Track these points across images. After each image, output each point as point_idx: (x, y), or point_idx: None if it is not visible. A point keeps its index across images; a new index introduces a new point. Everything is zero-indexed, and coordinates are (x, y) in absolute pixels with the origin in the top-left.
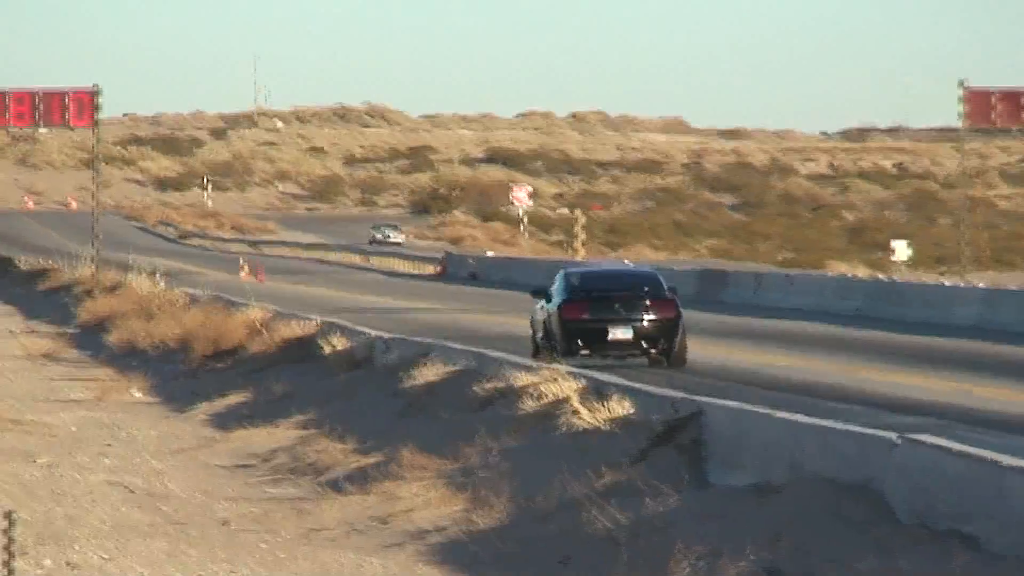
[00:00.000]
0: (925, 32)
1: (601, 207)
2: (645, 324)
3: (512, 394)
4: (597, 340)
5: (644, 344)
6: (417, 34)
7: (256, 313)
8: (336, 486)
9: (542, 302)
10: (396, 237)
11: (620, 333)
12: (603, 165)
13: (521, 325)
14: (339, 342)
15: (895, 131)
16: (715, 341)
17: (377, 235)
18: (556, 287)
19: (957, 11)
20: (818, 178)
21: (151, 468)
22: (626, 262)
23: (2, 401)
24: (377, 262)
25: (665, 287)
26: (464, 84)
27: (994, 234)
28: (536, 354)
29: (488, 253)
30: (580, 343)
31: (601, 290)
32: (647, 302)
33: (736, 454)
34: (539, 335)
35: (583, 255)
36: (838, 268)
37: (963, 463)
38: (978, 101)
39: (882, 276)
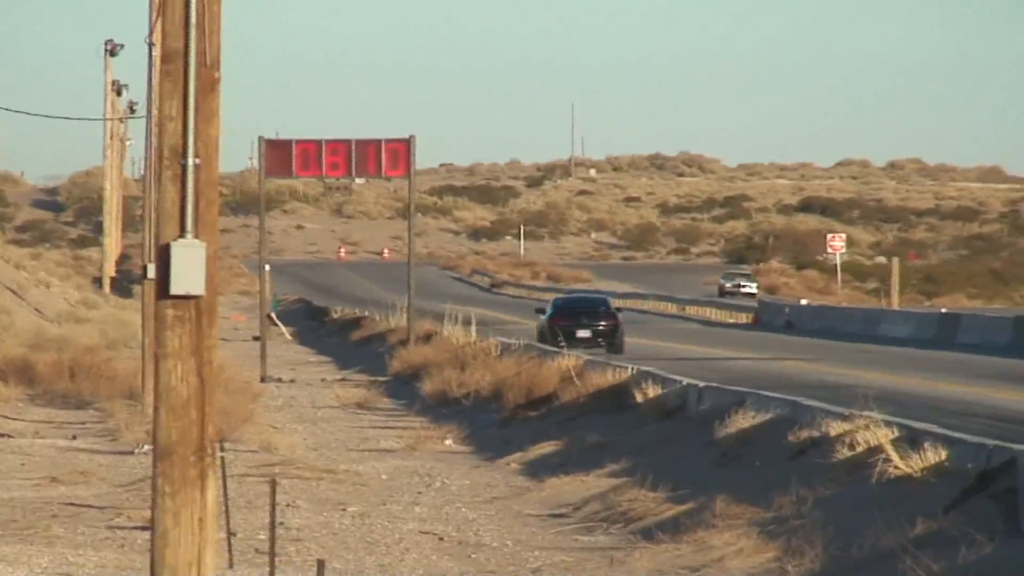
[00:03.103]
0: None
1: (917, 255)
2: (598, 328)
3: (826, 442)
4: (570, 336)
5: (598, 339)
6: (732, 83)
7: (569, 361)
8: (648, 535)
9: (542, 316)
10: (750, 287)
11: (583, 333)
12: (919, 213)
13: (838, 373)
14: (652, 390)
15: None
16: None
17: (728, 285)
18: (548, 307)
19: None
20: None
21: (463, 517)
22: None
23: (315, 451)
24: (691, 311)
25: (612, 307)
26: (780, 133)
27: None
28: (540, 341)
29: (803, 302)
30: (561, 338)
31: (574, 308)
32: (600, 314)
33: None
34: (540, 334)
35: (899, 303)
36: None
37: None
38: None
39: None
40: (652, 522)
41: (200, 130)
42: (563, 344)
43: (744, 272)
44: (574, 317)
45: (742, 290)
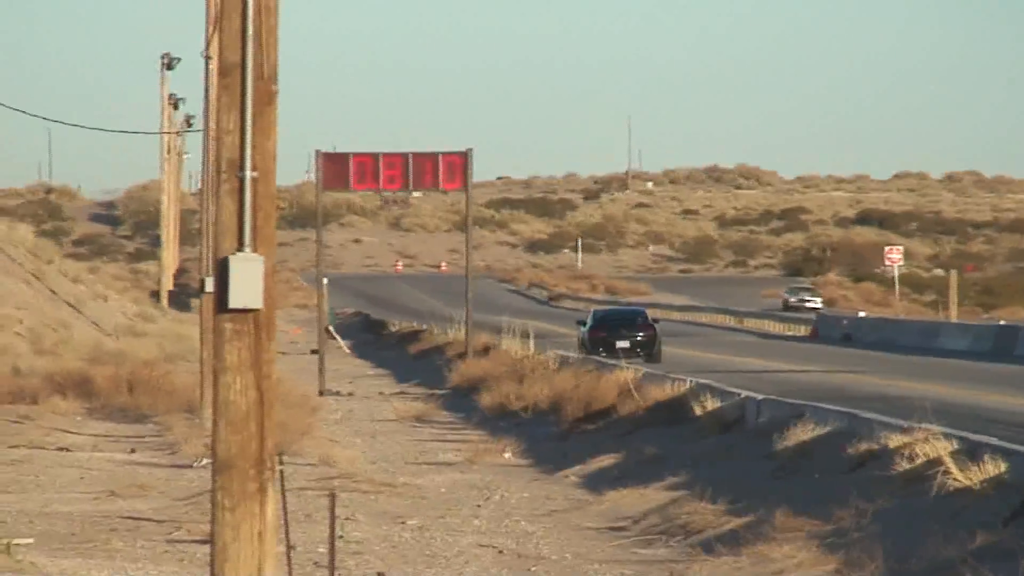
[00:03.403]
0: None
1: (975, 267)
2: (637, 338)
3: (885, 455)
4: (610, 347)
5: (637, 349)
6: (789, 95)
7: (627, 374)
8: (707, 547)
9: (582, 327)
10: (815, 302)
11: (622, 344)
12: (977, 225)
13: (896, 385)
14: (710, 403)
15: None
16: None
17: (793, 299)
18: (588, 319)
19: None
20: None
21: (522, 530)
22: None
23: (374, 464)
24: (749, 323)
25: (649, 318)
26: (837, 145)
27: None
28: (580, 351)
29: (862, 314)
30: (601, 349)
31: (612, 320)
32: (637, 326)
33: None
34: (580, 344)
35: (956, 316)
36: None
37: None
38: None
39: None
40: (711, 535)
41: (257, 143)
42: (603, 354)
43: (808, 287)
44: (613, 328)
45: (806, 304)
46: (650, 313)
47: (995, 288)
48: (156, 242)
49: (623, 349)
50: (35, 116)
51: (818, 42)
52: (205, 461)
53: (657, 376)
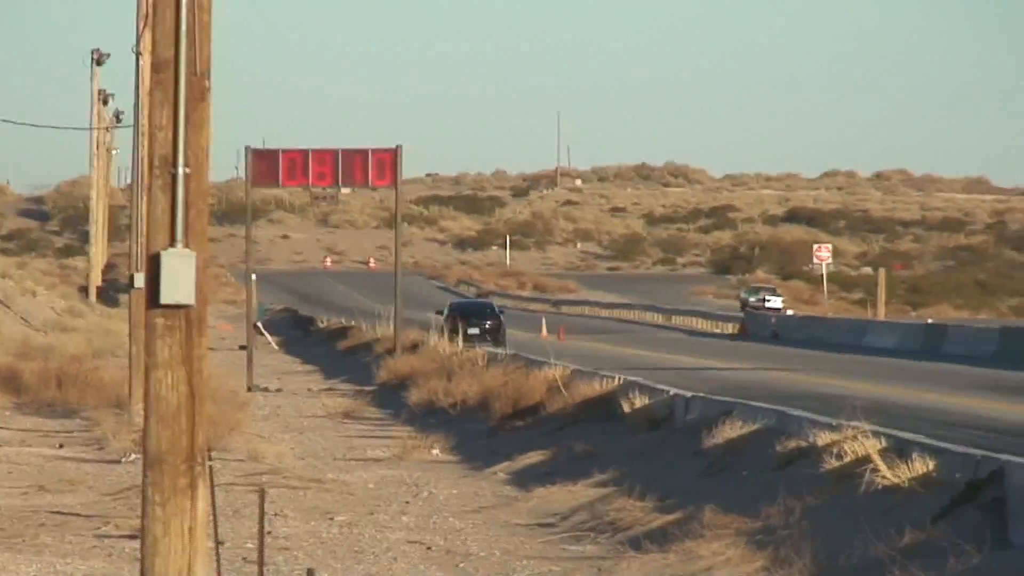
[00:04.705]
0: None
1: (903, 266)
2: (485, 326)
3: (814, 453)
4: (462, 333)
5: (486, 336)
6: (719, 93)
7: (556, 371)
8: (636, 544)
9: (440, 316)
10: (775, 302)
11: (472, 330)
12: (905, 224)
13: (824, 384)
14: (639, 400)
15: None
16: (1016, 399)
17: (753, 299)
18: (446, 309)
19: None
20: None
21: (450, 527)
22: (489, 299)
23: (302, 460)
24: (677, 321)
25: (497, 309)
26: (766, 143)
27: None
28: (439, 335)
29: (790, 312)
30: (455, 334)
31: (465, 310)
32: (487, 315)
33: None
34: (439, 330)
35: (884, 314)
36: None
37: None
38: None
39: None
40: (640, 532)
41: (190, 139)
42: (457, 339)
43: (769, 288)
44: (466, 317)
45: (767, 304)
46: (572, 306)
47: (923, 287)
48: (85, 238)
49: (474, 335)
50: None
51: (746, 40)
52: (134, 457)
53: (586, 373)
